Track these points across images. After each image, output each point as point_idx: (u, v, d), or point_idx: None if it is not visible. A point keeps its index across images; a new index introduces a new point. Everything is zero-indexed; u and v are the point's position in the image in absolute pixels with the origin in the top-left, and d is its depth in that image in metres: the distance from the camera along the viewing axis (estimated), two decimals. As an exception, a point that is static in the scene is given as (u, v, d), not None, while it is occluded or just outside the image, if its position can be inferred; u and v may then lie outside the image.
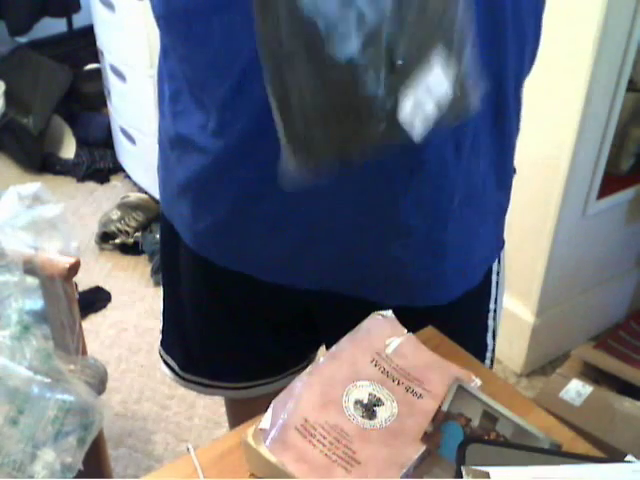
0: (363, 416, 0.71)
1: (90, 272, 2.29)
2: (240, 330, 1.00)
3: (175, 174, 0.90)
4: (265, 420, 0.69)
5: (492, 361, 1.02)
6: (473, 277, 0.93)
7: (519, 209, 1.03)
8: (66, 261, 1.14)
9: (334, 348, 0.77)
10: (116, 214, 2.39)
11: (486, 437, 0.72)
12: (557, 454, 0.70)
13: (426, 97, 0.50)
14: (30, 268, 1.13)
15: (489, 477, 0.62)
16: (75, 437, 1.10)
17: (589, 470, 0.65)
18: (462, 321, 0.94)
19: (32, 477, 1.05)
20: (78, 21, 3.04)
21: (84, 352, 1.23)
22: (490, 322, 0.99)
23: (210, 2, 0.71)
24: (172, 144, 0.88)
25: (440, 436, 0.71)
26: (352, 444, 0.69)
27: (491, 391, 0.76)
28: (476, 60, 0.54)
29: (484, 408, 0.74)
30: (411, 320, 0.82)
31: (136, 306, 2.20)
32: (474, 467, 0.63)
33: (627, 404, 1.61)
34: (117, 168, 2.74)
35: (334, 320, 0.92)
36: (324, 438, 0.69)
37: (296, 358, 1.07)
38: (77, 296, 1.21)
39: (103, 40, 2.47)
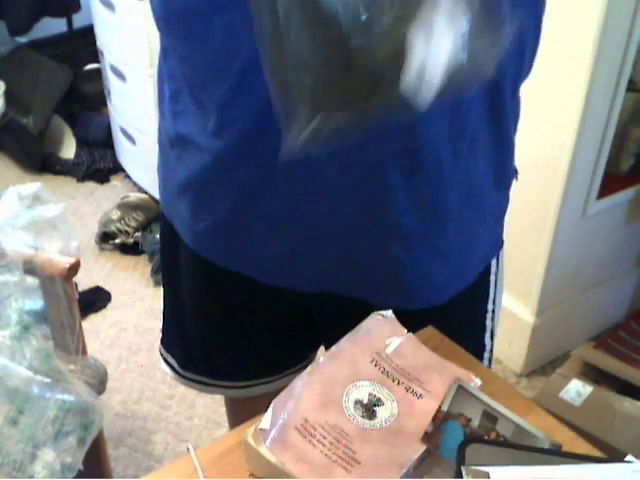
0: (363, 416, 0.71)
1: (90, 272, 2.29)
2: (240, 330, 1.00)
3: (175, 174, 0.90)
4: (265, 420, 0.69)
5: (490, 361, 1.02)
6: (471, 277, 0.93)
7: (519, 209, 1.03)
8: (66, 261, 1.14)
9: (334, 348, 0.77)
10: (116, 214, 2.39)
11: (486, 437, 0.72)
12: (557, 454, 0.70)
13: (432, 58, 0.49)
14: (30, 268, 1.13)
15: (489, 477, 0.62)
16: (75, 437, 1.10)
17: (589, 470, 0.65)
18: (460, 322, 0.94)
19: (32, 477, 1.05)
20: (78, 21, 3.04)
21: (84, 352, 1.23)
22: (488, 322, 0.99)
23: (210, 2, 0.71)
24: (172, 144, 0.88)
25: (440, 436, 0.71)
26: (352, 444, 0.69)
27: (491, 391, 0.76)
28: (495, 21, 0.52)
29: (484, 408, 0.74)
30: (410, 321, 0.82)
31: (136, 306, 2.20)
32: (474, 467, 0.63)
33: (627, 404, 1.61)
34: (117, 168, 2.74)
35: (334, 321, 0.92)
36: (324, 438, 0.69)
37: (296, 358, 1.07)
38: (77, 296, 1.21)
39: (103, 40, 2.47)
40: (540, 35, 0.82)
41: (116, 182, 2.74)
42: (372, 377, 0.75)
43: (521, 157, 0.92)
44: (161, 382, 1.94)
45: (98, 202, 2.63)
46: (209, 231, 0.89)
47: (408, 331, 0.81)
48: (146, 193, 2.50)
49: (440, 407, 0.73)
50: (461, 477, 0.63)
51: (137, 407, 1.89)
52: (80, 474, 1.10)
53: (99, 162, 2.76)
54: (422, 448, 0.70)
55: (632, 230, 2.00)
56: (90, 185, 2.73)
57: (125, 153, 2.62)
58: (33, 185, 1.24)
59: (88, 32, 2.66)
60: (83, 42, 2.98)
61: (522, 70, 0.82)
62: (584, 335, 2.07)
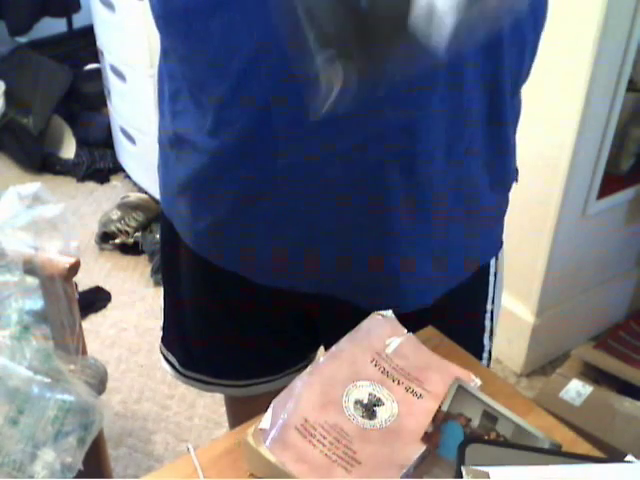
0: (363, 416, 0.71)
1: (90, 272, 2.29)
2: (240, 329, 1.00)
3: (175, 173, 0.90)
4: (265, 420, 0.69)
5: (489, 361, 1.02)
6: (463, 277, 0.92)
7: (519, 209, 1.03)
8: (66, 261, 1.14)
9: (334, 348, 0.77)
10: (116, 214, 2.39)
11: (486, 437, 0.72)
12: (557, 454, 0.70)
13: None
14: (30, 268, 1.13)
15: (489, 477, 0.62)
16: (75, 437, 1.10)
17: (589, 470, 0.65)
18: (458, 322, 0.93)
19: (32, 477, 1.05)
20: (78, 21, 3.04)
21: (84, 352, 1.23)
22: (487, 323, 0.99)
23: (209, 1, 0.71)
24: (171, 144, 0.88)
25: (440, 436, 0.71)
26: (352, 444, 0.69)
27: (491, 391, 0.76)
28: None
29: (484, 408, 0.74)
30: (408, 321, 0.82)
31: (136, 306, 2.20)
32: (474, 467, 0.63)
33: (627, 404, 1.61)
34: (117, 168, 2.74)
35: (334, 321, 0.92)
36: (324, 438, 0.69)
37: (296, 358, 1.07)
38: (77, 296, 1.21)
39: (103, 40, 2.47)
40: (541, 35, 0.82)
41: (116, 182, 2.74)
42: (372, 377, 0.75)
43: (521, 157, 0.92)
44: (161, 382, 1.94)
45: (98, 202, 2.63)
46: (209, 231, 0.89)
47: (409, 330, 0.81)
48: (146, 193, 2.50)
49: (440, 407, 0.73)
50: (461, 477, 0.63)
51: (137, 407, 1.89)
52: (80, 474, 1.10)
53: (99, 162, 2.76)
54: (422, 448, 0.69)
55: (632, 230, 2.00)
56: (90, 185, 2.73)
57: (125, 153, 2.62)
58: (33, 185, 1.24)
59: (88, 32, 2.66)
60: (83, 42, 2.98)
61: (522, 70, 0.82)
62: (584, 335, 2.07)
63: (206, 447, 0.74)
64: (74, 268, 1.15)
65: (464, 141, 0.79)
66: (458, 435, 0.71)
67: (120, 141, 2.59)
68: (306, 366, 0.86)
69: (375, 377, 0.75)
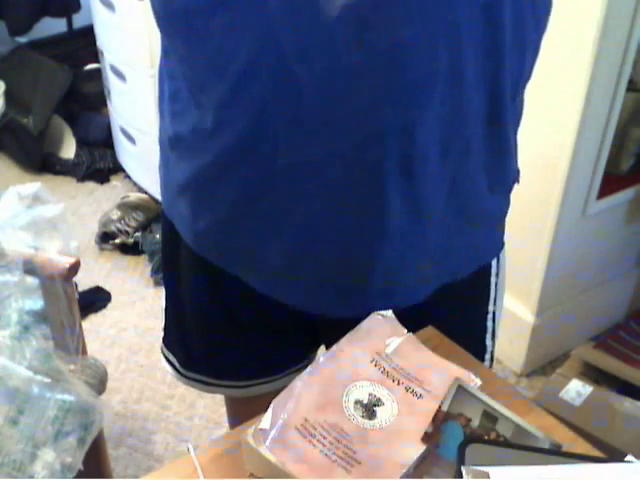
0: (363, 416, 0.71)
1: (90, 272, 2.29)
2: (240, 330, 1.00)
3: (175, 173, 0.90)
4: (265, 420, 0.69)
5: (491, 362, 1.02)
6: (458, 277, 0.92)
7: (519, 209, 1.03)
8: (66, 261, 1.14)
9: (334, 348, 0.77)
10: (116, 214, 2.39)
11: (486, 437, 0.72)
12: (557, 454, 0.70)
13: None
14: (30, 268, 1.13)
15: (489, 477, 0.62)
16: (75, 437, 1.10)
17: (589, 470, 0.65)
18: (460, 323, 0.93)
19: (32, 477, 1.05)
20: (78, 21, 3.04)
21: (84, 352, 1.23)
22: (489, 324, 0.99)
23: (209, 1, 0.71)
24: (172, 144, 0.88)
25: (440, 436, 0.71)
26: (352, 444, 0.69)
27: (491, 391, 0.76)
28: None
29: (484, 408, 0.74)
30: (408, 321, 0.82)
31: (136, 306, 2.20)
32: (474, 467, 0.63)
33: (627, 404, 1.61)
34: (117, 168, 2.74)
35: (334, 322, 0.92)
36: (324, 438, 0.69)
37: (296, 358, 1.07)
38: (77, 296, 1.21)
39: (103, 40, 2.47)
40: (543, 35, 0.81)
41: (116, 182, 2.74)
42: (372, 377, 0.75)
43: (521, 157, 0.92)
44: (161, 382, 1.94)
45: (98, 202, 2.63)
46: (209, 231, 0.89)
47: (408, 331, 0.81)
48: (146, 193, 2.50)
49: (440, 407, 0.73)
50: (461, 477, 0.63)
51: (137, 407, 1.89)
52: (80, 474, 1.10)
53: (99, 162, 2.76)
54: (422, 448, 0.69)
55: (632, 230, 2.00)
56: (90, 185, 2.73)
57: (125, 153, 2.62)
58: (33, 185, 1.24)
59: (88, 32, 2.66)
60: (83, 42, 2.98)
61: (523, 71, 0.82)
62: (584, 335, 2.06)
63: (206, 447, 0.74)
64: (74, 268, 1.15)
65: (463, 141, 0.79)
66: (458, 435, 0.71)
67: (120, 141, 2.59)
68: (306, 366, 0.86)
69: (375, 377, 0.75)
